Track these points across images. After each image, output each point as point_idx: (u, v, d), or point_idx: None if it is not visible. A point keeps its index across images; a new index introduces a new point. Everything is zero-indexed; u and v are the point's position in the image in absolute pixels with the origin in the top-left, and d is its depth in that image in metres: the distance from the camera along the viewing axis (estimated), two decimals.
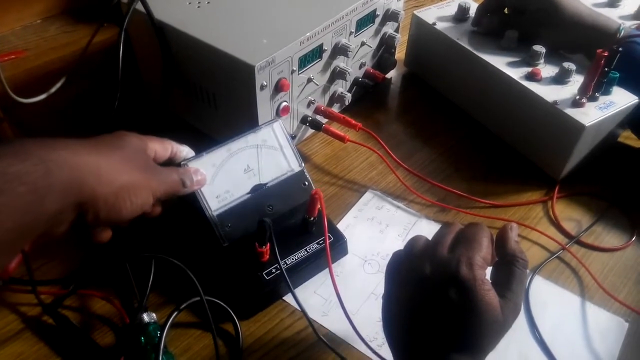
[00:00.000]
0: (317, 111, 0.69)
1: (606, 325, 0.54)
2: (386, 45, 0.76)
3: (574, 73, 0.65)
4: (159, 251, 0.54)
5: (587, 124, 0.61)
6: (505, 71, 0.67)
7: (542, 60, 0.68)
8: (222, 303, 0.52)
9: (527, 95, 0.65)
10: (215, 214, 0.53)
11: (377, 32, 0.73)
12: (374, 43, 0.74)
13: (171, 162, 0.52)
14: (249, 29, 0.61)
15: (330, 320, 0.53)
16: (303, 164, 0.58)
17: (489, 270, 0.43)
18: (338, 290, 0.50)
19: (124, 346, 0.49)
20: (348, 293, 0.55)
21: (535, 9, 0.69)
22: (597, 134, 0.64)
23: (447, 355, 0.39)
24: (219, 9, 0.64)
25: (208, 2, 0.65)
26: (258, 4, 0.65)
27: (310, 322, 0.50)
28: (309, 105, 0.68)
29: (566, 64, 0.65)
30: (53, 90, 0.63)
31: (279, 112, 0.63)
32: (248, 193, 0.56)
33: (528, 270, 0.57)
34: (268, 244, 0.52)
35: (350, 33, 0.67)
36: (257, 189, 0.56)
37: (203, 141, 0.60)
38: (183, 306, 0.50)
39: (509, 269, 0.41)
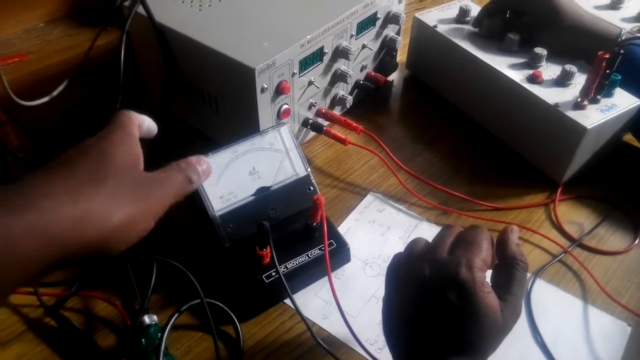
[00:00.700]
0: (318, 114, 0.69)
1: (609, 329, 0.54)
2: (387, 48, 0.77)
3: (575, 75, 0.65)
4: (161, 253, 0.54)
5: (588, 127, 0.60)
6: (506, 73, 0.67)
7: (543, 63, 0.68)
8: (222, 305, 0.52)
9: (529, 97, 0.65)
10: (218, 214, 0.54)
11: (378, 34, 0.73)
12: (375, 46, 0.74)
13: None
14: (250, 32, 0.61)
15: (330, 323, 0.53)
16: (309, 169, 0.58)
17: (489, 273, 0.43)
18: (337, 298, 0.50)
19: (125, 348, 0.49)
20: (349, 296, 0.55)
21: (536, 13, 0.69)
22: (600, 137, 0.64)
23: (446, 358, 0.39)
24: (220, 12, 0.64)
25: (209, 5, 0.65)
26: (259, 7, 0.65)
27: (308, 327, 0.50)
28: (310, 107, 0.68)
29: (568, 67, 0.65)
30: (55, 93, 0.63)
31: (280, 115, 0.63)
32: (252, 195, 0.56)
33: (530, 274, 0.57)
34: (269, 247, 0.52)
35: (351, 36, 0.68)
36: (262, 192, 0.56)
37: (205, 144, 0.60)
38: (184, 308, 0.50)
39: (509, 272, 0.41)
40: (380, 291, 0.47)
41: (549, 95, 0.64)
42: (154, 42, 0.63)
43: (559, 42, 0.68)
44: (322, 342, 0.50)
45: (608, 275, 0.58)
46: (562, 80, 0.65)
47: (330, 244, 0.56)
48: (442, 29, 0.75)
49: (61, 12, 0.90)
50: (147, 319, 0.50)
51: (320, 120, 0.70)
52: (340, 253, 0.57)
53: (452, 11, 0.77)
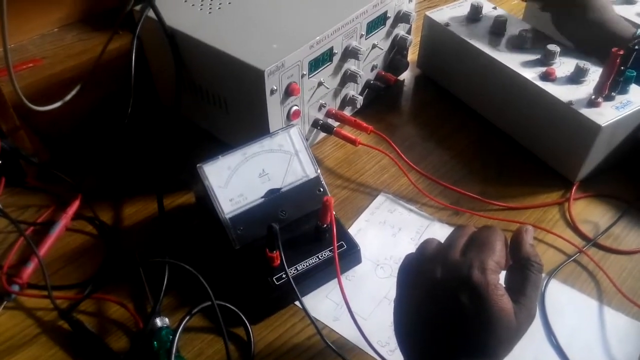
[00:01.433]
0: (328, 114, 0.69)
1: (625, 330, 0.53)
2: (398, 47, 0.76)
3: (589, 72, 0.64)
4: (173, 256, 0.54)
5: (603, 124, 0.59)
6: (519, 71, 0.66)
7: (556, 60, 0.67)
8: (233, 307, 0.52)
9: (542, 95, 0.64)
10: (228, 216, 0.54)
11: (388, 34, 0.73)
12: (385, 45, 0.73)
13: None
14: (259, 34, 0.61)
15: (341, 325, 0.53)
16: (319, 171, 0.58)
17: (502, 274, 0.42)
18: (347, 300, 0.49)
19: (138, 351, 0.49)
20: (360, 298, 0.55)
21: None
22: (615, 135, 0.63)
23: None
24: (229, 14, 0.64)
25: (219, 8, 0.65)
26: (268, 9, 0.65)
27: (318, 330, 0.50)
28: (320, 108, 0.68)
29: (581, 63, 0.64)
30: (68, 97, 0.64)
31: (290, 117, 0.63)
32: (262, 197, 0.56)
33: (544, 274, 0.57)
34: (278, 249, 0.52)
35: (361, 36, 0.67)
36: (271, 194, 0.56)
37: (215, 146, 0.61)
38: (195, 311, 0.51)
39: (523, 274, 0.40)
40: (392, 293, 0.46)
41: (563, 92, 0.63)
42: (165, 45, 0.63)
43: (579, 33, 0.66)
44: (332, 345, 0.50)
45: (624, 275, 0.57)
46: (576, 78, 0.64)
47: (340, 246, 0.56)
48: (453, 27, 0.74)
49: (74, 18, 0.91)
50: (159, 321, 0.51)
51: (330, 121, 0.69)
52: (351, 254, 0.57)
53: (464, 9, 0.76)
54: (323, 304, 0.55)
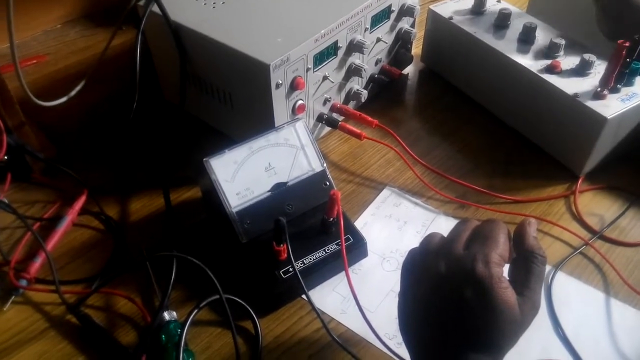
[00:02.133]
0: (333, 109, 0.69)
1: (632, 322, 0.53)
2: (402, 41, 0.76)
3: (595, 64, 0.64)
4: (180, 249, 0.55)
5: (608, 117, 0.59)
6: (523, 64, 0.66)
7: (561, 52, 0.67)
8: (241, 301, 0.52)
9: (547, 88, 0.64)
10: (234, 210, 0.54)
11: (392, 27, 0.73)
12: (389, 39, 0.73)
13: None
14: (264, 28, 0.61)
15: (348, 318, 0.53)
16: (325, 164, 0.58)
17: (506, 267, 0.42)
18: (355, 292, 0.49)
19: (146, 344, 0.49)
20: (366, 291, 0.55)
21: None
22: (621, 127, 0.63)
23: (463, 355, 0.38)
24: (233, 9, 0.64)
25: (223, 3, 0.65)
26: (272, 3, 0.65)
27: (324, 324, 0.50)
28: (324, 103, 0.68)
29: (586, 55, 0.64)
30: (73, 93, 0.64)
31: (295, 111, 0.63)
32: (268, 191, 0.56)
33: (550, 266, 0.57)
34: (285, 243, 0.52)
35: (366, 29, 0.67)
36: (278, 188, 0.56)
37: (220, 141, 0.61)
38: (202, 304, 0.51)
39: (527, 266, 0.40)
40: (398, 286, 0.46)
41: (568, 85, 0.63)
42: (169, 40, 0.63)
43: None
44: (338, 338, 0.50)
45: (630, 267, 0.57)
46: (581, 70, 0.64)
47: (347, 239, 0.56)
48: (457, 20, 0.74)
49: (77, 14, 0.91)
50: (166, 315, 0.51)
51: (335, 115, 0.69)
52: (357, 248, 0.57)
53: (468, 2, 0.76)
54: (330, 297, 0.55)
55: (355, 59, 0.68)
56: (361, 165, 0.69)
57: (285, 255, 0.52)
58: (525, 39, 0.69)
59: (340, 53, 0.65)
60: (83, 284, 0.55)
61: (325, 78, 0.65)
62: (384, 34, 0.71)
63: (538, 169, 0.67)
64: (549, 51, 0.67)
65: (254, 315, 0.52)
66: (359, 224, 0.61)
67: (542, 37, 0.69)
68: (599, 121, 0.60)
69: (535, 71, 0.65)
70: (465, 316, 0.39)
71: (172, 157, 0.64)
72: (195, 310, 0.50)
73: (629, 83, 0.62)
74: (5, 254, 0.57)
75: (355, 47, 0.66)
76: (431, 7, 0.77)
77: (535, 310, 0.40)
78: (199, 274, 0.52)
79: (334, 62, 0.65)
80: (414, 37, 0.75)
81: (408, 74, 0.82)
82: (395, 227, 0.62)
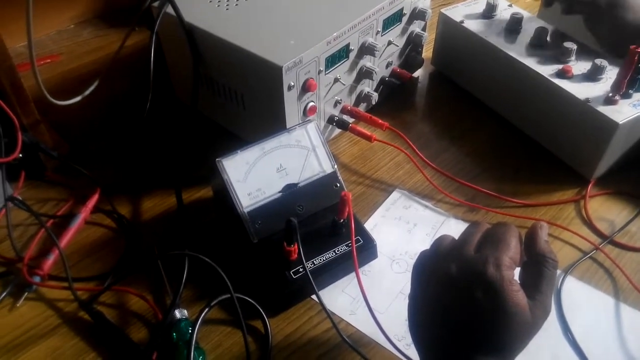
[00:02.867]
0: (344, 111, 0.70)
1: None
2: (413, 44, 0.76)
3: (606, 70, 0.64)
4: (192, 248, 0.55)
5: (620, 122, 0.59)
6: (535, 68, 0.66)
7: (573, 57, 0.67)
8: (251, 300, 0.53)
9: (558, 92, 0.64)
10: (246, 210, 0.54)
11: (404, 31, 0.73)
12: (400, 42, 0.74)
13: None
14: (277, 30, 0.61)
15: (358, 319, 0.53)
16: (336, 166, 0.59)
17: (518, 271, 0.42)
18: (365, 293, 0.50)
19: (157, 342, 0.50)
20: (376, 292, 0.55)
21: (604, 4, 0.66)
22: (632, 132, 0.63)
23: (473, 357, 0.38)
24: (247, 10, 0.65)
25: (236, 4, 0.66)
26: (285, 5, 0.66)
27: (334, 324, 0.51)
28: (335, 105, 0.68)
29: (598, 61, 0.64)
30: (87, 92, 0.65)
31: (306, 112, 0.63)
32: (279, 192, 0.56)
33: (560, 271, 0.57)
34: (296, 243, 0.52)
35: (377, 32, 0.67)
36: (289, 189, 0.57)
37: (232, 142, 0.61)
38: (213, 303, 0.51)
39: (538, 270, 0.41)
40: (408, 288, 0.46)
41: (579, 90, 0.63)
42: (182, 41, 0.64)
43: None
44: (347, 339, 0.50)
45: None
46: (593, 75, 0.64)
47: (357, 240, 0.56)
48: (468, 24, 0.74)
49: (91, 14, 0.92)
50: (178, 313, 0.51)
51: (345, 117, 0.70)
52: (367, 249, 0.57)
53: (479, 6, 0.76)
54: (340, 298, 0.55)
55: (367, 61, 0.68)
56: (371, 167, 0.69)
57: (296, 255, 0.53)
58: (537, 44, 0.69)
59: (352, 56, 0.65)
60: (95, 281, 0.56)
61: (336, 80, 0.65)
62: (395, 37, 0.72)
63: (548, 173, 0.67)
64: (561, 56, 0.67)
65: (264, 315, 0.52)
66: (368, 225, 0.62)
67: (554, 41, 0.69)
68: (610, 126, 0.60)
69: (546, 76, 0.65)
70: (475, 318, 0.39)
71: (183, 157, 0.64)
72: (207, 309, 0.51)
73: None
74: (19, 251, 0.57)
75: (366, 50, 0.66)
76: (442, 10, 0.77)
77: (546, 314, 0.40)
78: (210, 273, 0.52)
79: (345, 65, 0.65)
80: (424, 40, 0.76)
81: (419, 77, 0.83)
82: (405, 229, 0.62)
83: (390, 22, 0.69)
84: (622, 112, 0.60)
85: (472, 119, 0.75)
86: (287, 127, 0.60)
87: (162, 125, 0.71)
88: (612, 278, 0.57)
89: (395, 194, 0.65)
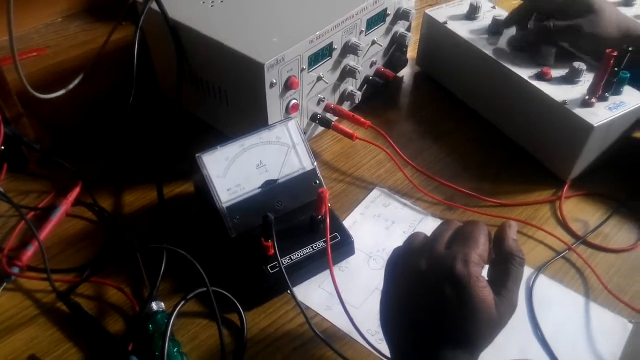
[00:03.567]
0: (327, 109, 0.70)
1: (609, 326, 0.54)
2: (397, 44, 0.77)
3: (584, 73, 0.65)
4: (170, 242, 0.55)
5: (595, 124, 0.60)
6: (514, 70, 0.67)
7: (552, 60, 0.68)
8: (227, 294, 0.53)
9: (536, 94, 0.65)
10: (225, 205, 0.55)
11: (388, 30, 0.74)
12: (384, 42, 0.74)
13: None
14: (260, 27, 0.62)
15: (333, 314, 0.54)
16: (315, 163, 0.59)
17: (487, 269, 0.43)
18: (338, 289, 0.51)
19: (133, 333, 0.51)
20: (352, 288, 0.56)
21: (576, 14, 0.66)
22: (608, 135, 0.64)
23: (440, 350, 0.39)
24: (231, 8, 0.66)
25: (221, 1, 0.66)
26: (269, 3, 0.66)
27: (306, 318, 0.52)
28: (318, 103, 0.69)
29: (576, 64, 0.65)
30: (71, 86, 0.65)
31: (289, 110, 0.64)
32: (259, 188, 0.57)
33: (532, 269, 0.58)
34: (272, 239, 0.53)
35: (361, 32, 0.68)
36: (268, 185, 0.57)
37: (215, 138, 0.62)
38: (190, 296, 0.52)
39: (505, 267, 0.42)
40: None
41: (557, 92, 0.64)
42: (167, 37, 0.64)
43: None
44: (321, 334, 0.51)
45: (611, 272, 0.58)
46: (571, 78, 0.65)
47: (334, 237, 0.57)
48: (451, 25, 0.75)
49: (78, 8, 0.92)
50: (154, 305, 0.52)
51: (328, 115, 0.71)
52: (344, 246, 0.58)
53: (463, 7, 0.77)
54: (316, 293, 0.56)
55: (350, 60, 0.69)
56: (352, 165, 0.70)
57: (273, 251, 0.54)
58: (518, 46, 0.70)
59: (335, 54, 0.66)
60: (74, 272, 0.56)
61: (319, 78, 0.66)
62: (379, 36, 0.73)
63: (526, 173, 0.68)
64: (540, 58, 0.68)
65: (240, 308, 0.53)
66: (347, 222, 0.63)
67: (535, 44, 0.70)
68: (585, 128, 0.61)
69: (525, 77, 0.66)
70: (443, 313, 0.40)
71: (166, 152, 0.65)
72: (183, 302, 0.51)
73: (617, 92, 0.64)
74: None
75: (350, 49, 0.67)
76: (427, 11, 0.78)
77: (512, 309, 0.41)
78: (188, 267, 0.53)
79: (328, 63, 0.66)
80: (409, 40, 0.76)
81: (403, 77, 0.84)
82: (383, 226, 0.63)
83: (373, 21, 0.70)
84: (598, 114, 0.61)
85: (454, 119, 0.76)
86: (269, 124, 0.61)
87: (146, 120, 0.71)
88: (583, 277, 0.58)
89: (375, 192, 0.66)
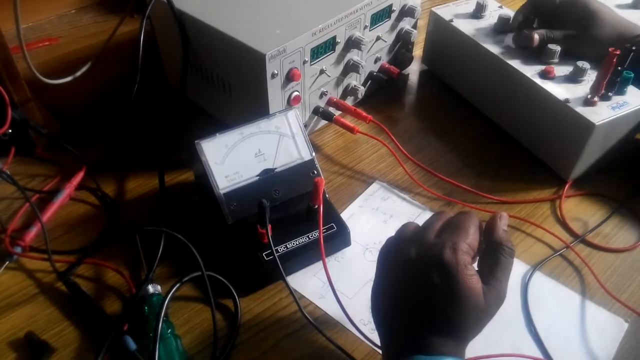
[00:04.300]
0: (329, 103, 0.71)
1: (605, 325, 0.53)
2: (403, 41, 0.77)
3: (587, 72, 0.65)
4: (169, 226, 0.56)
5: (597, 123, 0.60)
6: (518, 68, 0.67)
7: (556, 59, 0.67)
8: (222, 279, 0.54)
9: (540, 93, 0.65)
10: (222, 192, 0.56)
11: (393, 27, 0.74)
12: (390, 38, 0.75)
13: None
14: (264, 19, 0.63)
15: (326, 302, 0.54)
16: (314, 154, 0.60)
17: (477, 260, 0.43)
18: (330, 277, 0.51)
19: (129, 314, 0.51)
20: (347, 278, 0.56)
21: (573, 20, 0.67)
22: (610, 135, 0.63)
23: (428, 337, 0.40)
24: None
25: None
26: None
27: (299, 305, 0.52)
28: (321, 96, 0.69)
29: (580, 63, 0.65)
30: (78, 74, 0.67)
31: (290, 101, 0.64)
32: (257, 176, 0.58)
33: (529, 266, 0.58)
34: (270, 226, 0.53)
35: (365, 27, 0.69)
36: (266, 173, 0.58)
37: (218, 128, 0.62)
38: (185, 279, 0.53)
39: (494, 257, 0.42)
40: None
41: (560, 91, 0.64)
42: (173, 28, 0.65)
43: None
44: (315, 321, 0.51)
45: (609, 272, 0.58)
46: (574, 77, 0.65)
47: (330, 227, 0.58)
48: (457, 23, 0.75)
49: (91, 0, 0.94)
50: (151, 288, 0.53)
51: (331, 109, 0.71)
52: (340, 236, 0.58)
53: (469, 6, 0.77)
54: (311, 282, 0.56)
55: (354, 55, 0.70)
56: (354, 159, 0.70)
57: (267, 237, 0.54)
58: (523, 45, 0.70)
59: (339, 48, 0.67)
60: (75, 254, 0.57)
61: (322, 72, 0.66)
62: (384, 32, 0.73)
63: (527, 172, 0.68)
64: (544, 57, 0.68)
65: (235, 294, 0.54)
66: (345, 214, 0.63)
67: (540, 43, 0.69)
68: (587, 127, 0.61)
69: (529, 76, 0.66)
70: (431, 300, 0.40)
71: (169, 140, 0.66)
72: (178, 284, 0.52)
73: (621, 92, 0.63)
74: (3, 222, 0.59)
75: (353, 43, 0.67)
76: (433, 9, 0.78)
77: (501, 300, 0.41)
78: (186, 253, 0.54)
79: (331, 57, 0.67)
80: (414, 37, 0.77)
81: (409, 74, 0.84)
82: (381, 220, 0.63)
83: (378, 17, 0.70)
84: (600, 113, 0.61)
85: (458, 117, 0.76)
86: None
87: (151, 109, 0.72)
88: (580, 276, 0.58)
89: (374, 186, 0.67)
